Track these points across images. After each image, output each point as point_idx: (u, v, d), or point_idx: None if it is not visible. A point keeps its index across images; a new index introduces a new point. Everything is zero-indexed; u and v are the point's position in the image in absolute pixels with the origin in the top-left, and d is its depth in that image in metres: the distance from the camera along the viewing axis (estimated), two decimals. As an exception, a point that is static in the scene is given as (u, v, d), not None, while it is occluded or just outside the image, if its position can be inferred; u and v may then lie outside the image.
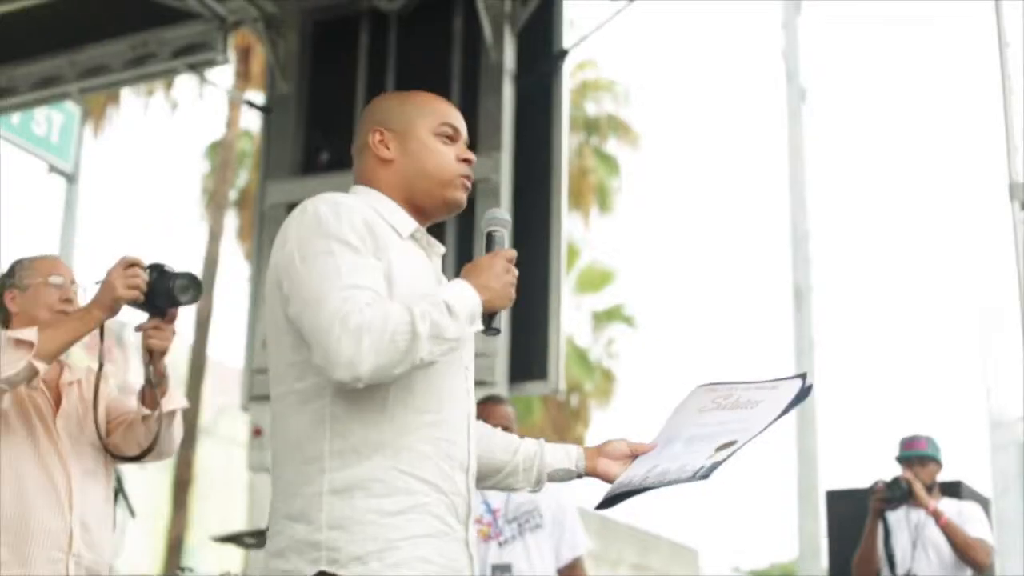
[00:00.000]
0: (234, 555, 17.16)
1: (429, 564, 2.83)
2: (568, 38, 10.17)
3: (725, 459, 3.09)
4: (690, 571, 30.62)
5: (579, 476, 3.35)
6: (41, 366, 4.13)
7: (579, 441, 20.67)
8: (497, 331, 2.99)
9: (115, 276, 4.21)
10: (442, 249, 3.20)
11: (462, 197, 3.16)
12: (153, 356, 4.36)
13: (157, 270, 4.28)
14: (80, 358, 4.77)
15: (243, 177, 24.47)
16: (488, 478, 3.32)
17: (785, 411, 3.20)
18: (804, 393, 3.24)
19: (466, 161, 3.16)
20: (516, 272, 3.01)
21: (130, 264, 4.24)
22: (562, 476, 3.36)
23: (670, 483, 3.11)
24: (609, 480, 3.27)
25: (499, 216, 3.13)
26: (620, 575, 26.75)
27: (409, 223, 3.08)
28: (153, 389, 4.41)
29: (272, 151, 10.58)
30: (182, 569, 6.33)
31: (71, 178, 17.74)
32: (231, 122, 23.11)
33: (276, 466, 2.96)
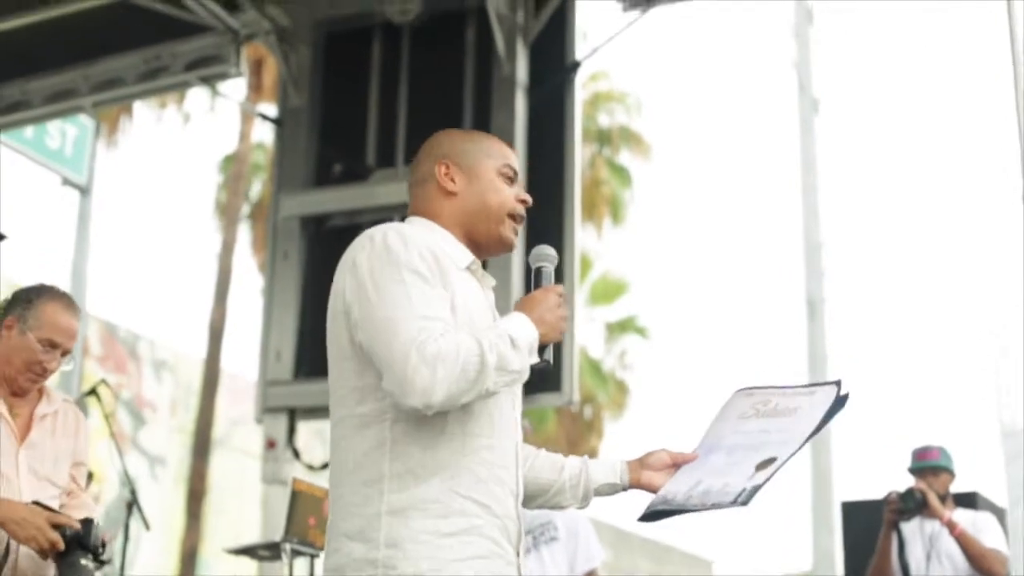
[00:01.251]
0: (248, 567, 17.17)
1: None
2: (580, 50, 10.18)
3: (765, 481, 3.12)
4: (704, 583, 30.58)
5: (624, 489, 3.40)
6: None
7: (592, 453, 20.66)
8: (549, 363, 3.07)
9: (34, 524, 4.16)
10: (493, 282, 3.26)
11: (514, 239, 3.26)
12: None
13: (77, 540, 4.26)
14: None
15: (256, 189, 24.51)
16: (536, 498, 3.38)
17: (823, 423, 3.23)
18: (840, 402, 3.27)
19: (523, 202, 3.25)
20: (565, 308, 3.10)
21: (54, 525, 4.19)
22: (608, 491, 3.42)
23: (713, 506, 3.13)
24: (653, 491, 3.32)
25: (546, 252, 3.21)
26: (635, 587, 26.71)
27: (466, 255, 3.16)
28: None
29: (285, 163, 10.59)
30: (196, 581, 6.32)
31: (84, 191, 17.75)
32: (244, 135, 23.15)
33: (335, 486, 3.03)
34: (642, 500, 3.34)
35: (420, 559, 2.85)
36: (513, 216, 3.24)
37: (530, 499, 3.34)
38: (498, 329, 2.93)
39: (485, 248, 3.24)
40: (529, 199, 3.28)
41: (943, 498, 7.14)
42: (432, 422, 2.91)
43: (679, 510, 3.22)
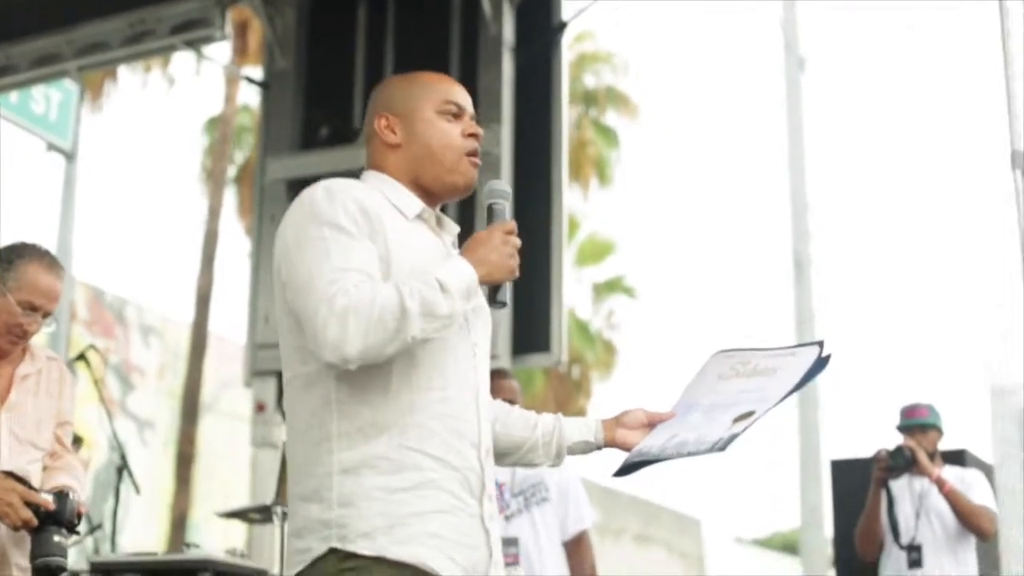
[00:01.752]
0: (239, 530, 17.22)
1: (440, 539, 2.85)
2: (567, 10, 10.16)
3: (743, 431, 3.11)
4: (693, 541, 30.71)
5: (598, 448, 3.36)
6: None
7: (580, 413, 20.71)
8: (503, 304, 3.01)
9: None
10: (456, 228, 3.21)
11: (471, 178, 3.16)
12: None
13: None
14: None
15: (242, 153, 24.46)
16: (508, 455, 3.34)
17: (803, 381, 3.22)
18: (822, 363, 3.26)
19: (473, 136, 3.16)
20: (517, 242, 3.01)
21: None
22: (582, 449, 3.38)
23: (688, 455, 3.13)
24: (628, 449, 3.29)
25: (499, 188, 3.13)
26: (623, 546, 26.81)
27: (415, 204, 3.09)
28: None
29: (271, 127, 10.57)
30: (187, 545, 6.32)
31: (70, 156, 17.70)
32: (229, 98, 23.08)
33: (289, 447, 3.01)
34: (620, 458, 3.33)
35: (373, 515, 2.81)
36: (469, 153, 3.15)
37: (502, 456, 3.29)
38: (425, 275, 2.85)
39: (438, 194, 3.16)
40: (479, 131, 3.19)
41: (932, 456, 7.17)
42: (377, 378, 2.86)
43: (654, 460, 3.22)
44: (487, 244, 2.96)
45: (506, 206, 3.11)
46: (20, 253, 4.43)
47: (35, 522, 4.14)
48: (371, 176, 3.16)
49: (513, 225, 3.03)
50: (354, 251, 2.86)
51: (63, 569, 4.22)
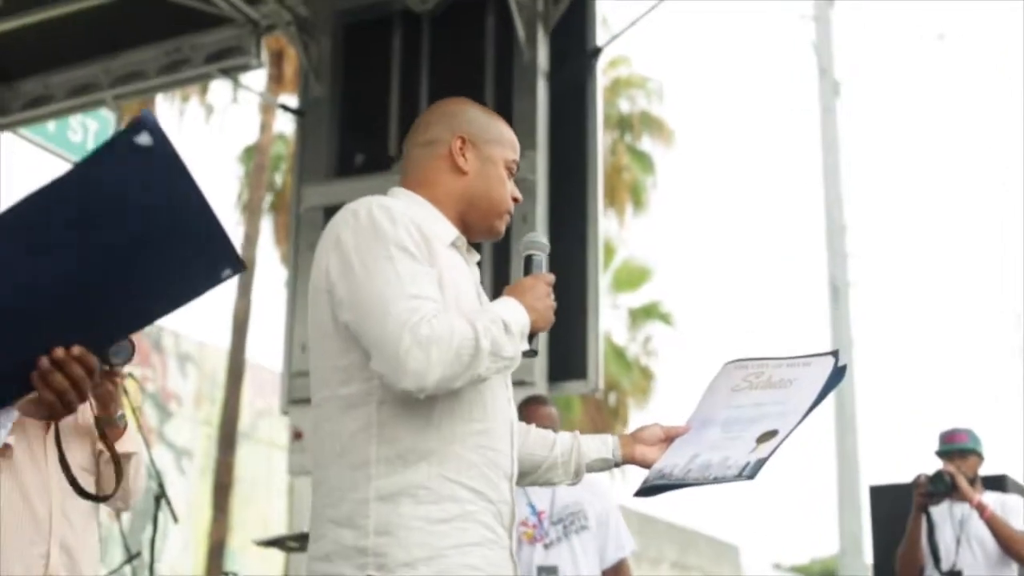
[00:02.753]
0: (276, 559, 17.22)
1: (477, 572, 2.84)
2: (601, 36, 10.15)
3: (770, 455, 3.08)
4: (731, 568, 30.58)
5: (616, 464, 3.37)
6: (10, 440, 4.13)
7: (618, 439, 20.63)
8: (535, 352, 2.99)
9: None
10: (478, 257, 3.20)
11: (503, 229, 3.21)
12: (100, 399, 4.31)
13: None
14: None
15: (278, 181, 24.53)
16: (528, 475, 3.33)
17: (821, 396, 3.19)
18: (838, 374, 3.24)
19: (515, 200, 3.21)
20: (552, 298, 3.04)
21: None
22: (600, 466, 3.39)
23: (715, 480, 3.10)
24: (646, 466, 3.30)
25: (537, 240, 3.17)
26: (661, 573, 26.71)
27: (451, 231, 3.09)
28: (104, 431, 4.29)
29: (307, 154, 10.58)
30: (225, 573, 6.32)
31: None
32: (265, 126, 23.16)
33: (319, 469, 2.96)
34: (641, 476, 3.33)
35: (412, 546, 2.79)
36: (507, 212, 3.20)
37: (522, 476, 3.27)
38: (491, 313, 2.86)
39: (471, 234, 3.17)
40: (520, 198, 3.24)
41: (972, 481, 7.12)
42: (420, 405, 2.83)
43: (678, 484, 3.19)
44: (533, 292, 2.98)
45: (543, 258, 3.15)
46: None
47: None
48: (404, 196, 3.14)
49: (552, 278, 3.06)
50: (422, 276, 2.84)
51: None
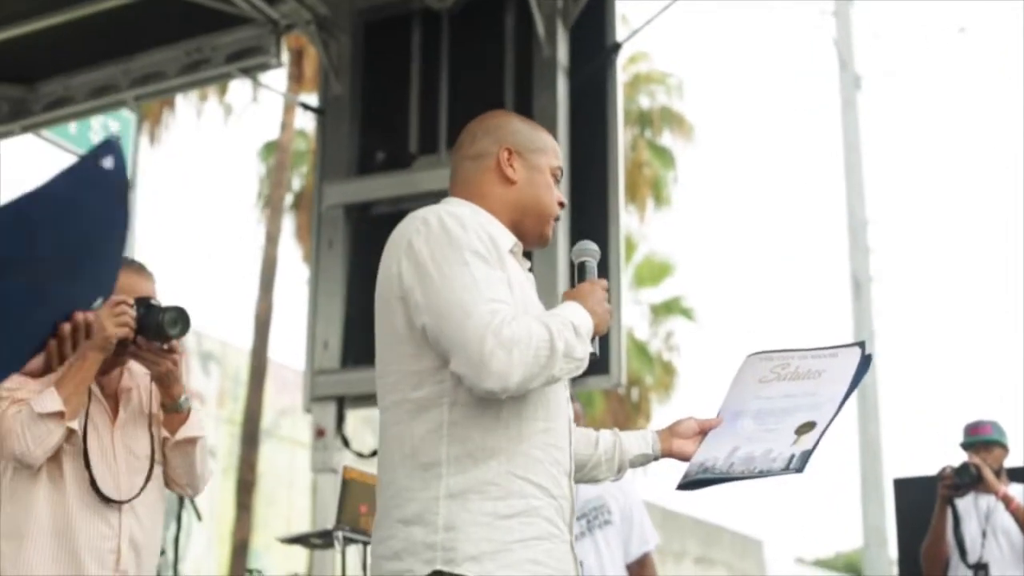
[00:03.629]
0: (300, 556, 17.23)
1: (540, 566, 2.92)
2: (620, 32, 10.14)
3: (814, 446, 3.13)
4: (755, 563, 30.55)
5: (656, 459, 3.45)
6: (73, 425, 4.12)
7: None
8: (596, 355, 3.06)
9: (104, 315, 4.12)
10: (528, 264, 3.27)
11: (550, 235, 3.30)
12: (162, 381, 4.31)
13: (144, 305, 4.22)
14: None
15: (299, 179, 24.55)
16: (575, 472, 3.35)
17: (853, 386, 3.23)
18: (866, 363, 3.30)
19: (560, 205, 3.29)
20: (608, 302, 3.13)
21: (117, 303, 4.15)
22: (641, 461, 3.47)
23: (761, 474, 3.14)
24: (684, 459, 3.37)
25: (589, 247, 3.26)
26: (685, 568, 26.70)
27: (509, 238, 3.17)
28: (171, 415, 4.36)
29: (327, 152, 10.59)
30: (249, 571, 6.34)
31: (129, 185, 17.83)
32: (286, 125, 23.17)
33: (387, 471, 3.03)
34: (679, 470, 3.38)
35: (480, 540, 2.86)
36: (555, 217, 3.27)
37: None
38: (560, 316, 2.95)
39: (525, 241, 3.25)
40: (565, 202, 3.33)
41: (997, 473, 7.09)
42: (490, 405, 2.92)
43: (723, 478, 3.24)
44: (592, 297, 3.08)
45: (595, 264, 3.25)
46: None
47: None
48: (462, 205, 3.20)
49: (606, 283, 3.16)
50: (497, 281, 2.95)
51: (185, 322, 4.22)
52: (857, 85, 18.98)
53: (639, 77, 27.29)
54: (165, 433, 4.39)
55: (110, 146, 2.47)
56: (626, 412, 25.89)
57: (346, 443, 9.93)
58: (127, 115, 16.40)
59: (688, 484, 3.31)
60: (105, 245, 2.58)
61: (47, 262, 2.48)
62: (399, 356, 3.01)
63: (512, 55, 9.96)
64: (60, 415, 4.07)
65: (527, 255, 3.29)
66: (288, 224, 23.91)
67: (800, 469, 3.10)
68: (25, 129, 11.87)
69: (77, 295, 2.65)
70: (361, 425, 17.25)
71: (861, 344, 3.35)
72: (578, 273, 3.23)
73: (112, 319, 4.13)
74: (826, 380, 3.27)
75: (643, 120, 27.21)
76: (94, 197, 2.50)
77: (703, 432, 3.38)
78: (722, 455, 3.24)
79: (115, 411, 4.37)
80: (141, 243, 19.01)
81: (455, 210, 3.05)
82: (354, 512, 6.96)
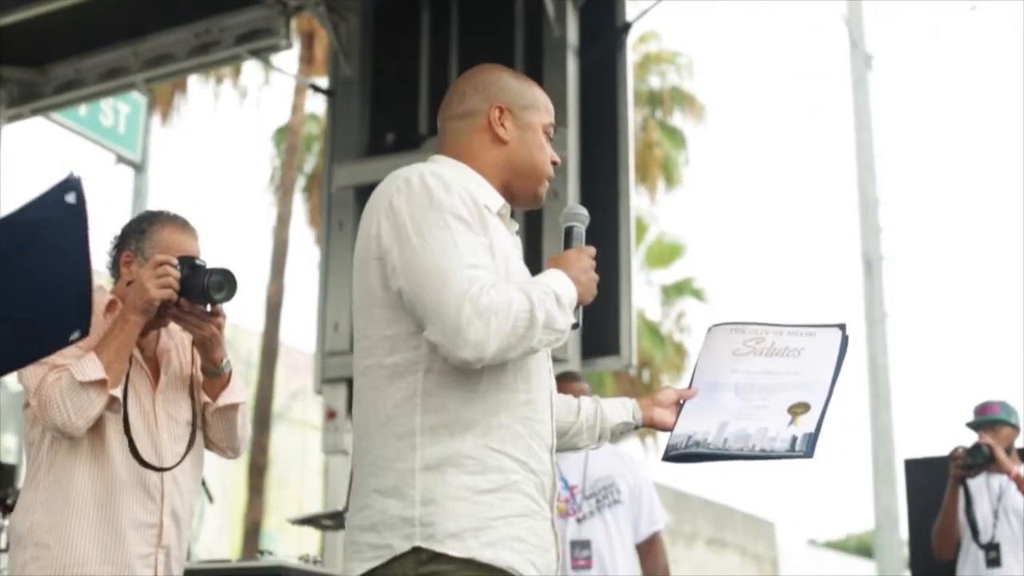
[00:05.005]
0: (312, 537, 17.27)
1: (523, 543, 2.86)
2: (631, 11, 10.12)
3: (817, 430, 3.09)
4: (767, 544, 30.55)
5: (636, 427, 3.42)
6: (116, 393, 4.01)
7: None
8: (577, 325, 3.00)
9: (146, 276, 4.04)
10: (516, 226, 3.20)
11: (544, 195, 3.23)
12: (204, 346, 4.22)
13: (189, 266, 4.11)
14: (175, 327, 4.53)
15: (310, 161, 24.54)
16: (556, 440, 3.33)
17: (838, 368, 3.20)
18: (845, 344, 3.27)
19: (554, 164, 3.22)
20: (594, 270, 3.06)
21: (160, 263, 4.06)
22: (622, 429, 3.43)
23: (763, 454, 3.11)
24: (666, 429, 3.33)
25: (577, 212, 3.18)
26: (696, 549, 26.71)
27: (497, 200, 3.10)
28: (212, 379, 4.28)
29: (338, 134, 10.57)
30: (261, 552, 6.32)
31: (139, 168, 17.86)
32: (296, 107, 23.15)
33: (362, 439, 2.96)
34: (663, 440, 3.36)
35: (460, 516, 2.80)
36: (548, 177, 3.21)
37: None
38: (543, 285, 2.88)
39: (515, 202, 3.19)
40: (559, 160, 3.25)
41: (1007, 452, 7.09)
42: (467, 375, 2.85)
43: (719, 454, 3.20)
44: (577, 265, 3.00)
45: (583, 229, 3.17)
46: (150, 220, 4.34)
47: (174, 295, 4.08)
48: (449, 163, 3.14)
49: (594, 250, 3.08)
50: (479, 246, 2.87)
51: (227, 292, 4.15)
52: (868, 64, 18.92)
53: (649, 57, 27.24)
54: (205, 398, 4.32)
55: (72, 183, 2.55)
56: (636, 393, 25.63)
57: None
58: (137, 98, 16.39)
59: (677, 456, 3.26)
60: (69, 279, 2.61)
61: (9, 292, 2.53)
62: (374, 319, 2.93)
63: (522, 35, 9.94)
64: (102, 383, 3.95)
65: (514, 216, 3.22)
66: (300, 207, 23.90)
67: (809, 454, 3.07)
68: (35, 112, 11.87)
69: (42, 328, 2.67)
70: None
71: (841, 326, 3.32)
72: (565, 238, 3.15)
73: (154, 280, 4.03)
74: (808, 359, 3.24)
75: (653, 100, 27.15)
76: (56, 231, 2.53)
77: (680, 401, 3.35)
78: (712, 429, 3.20)
79: (155, 375, 4.27)
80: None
81: (439, 170, 2.98)
82: (365, 493, 6.97)
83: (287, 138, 23.47)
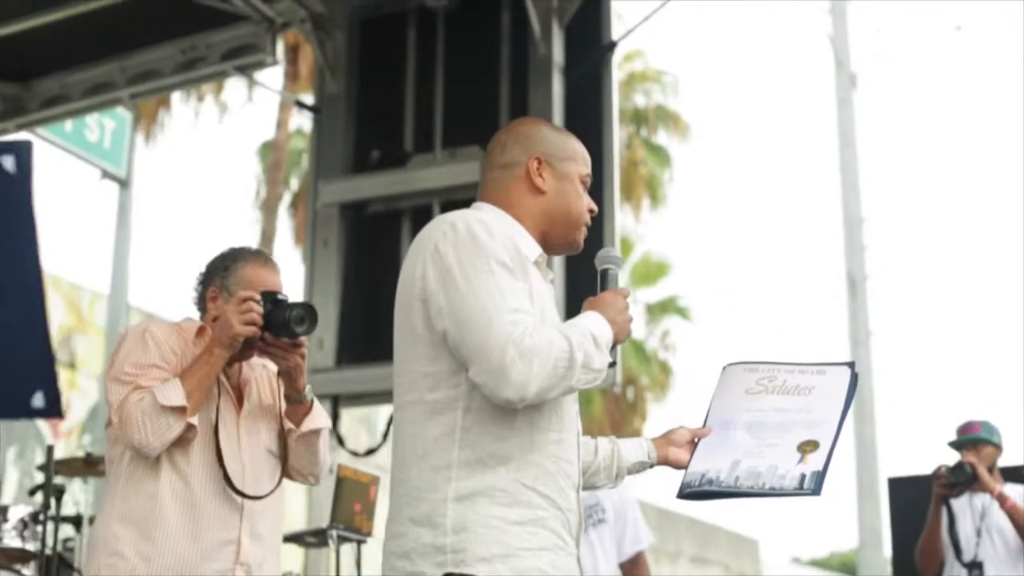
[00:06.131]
0: (295, 554, 17.22)
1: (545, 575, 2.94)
2: (616, 30, 10.14)
3: (825, 468, 3.16)
4: (751, 562, 30.55)
5: (652, 466, 3.50)
6: (193, 421, 4.14)
7: (636, 435, 20.62)
8: (614, 363, 3.09)
9: (231, 313, 4.20)
10: (552, 274, 3.29)
11: (581, 243, 3.32)
12: (288, 375, 4.35)
13: (271, 300, 4.27)
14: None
15: (296, 178, 24.53)
16: None
17: (847, 406, 3.24)
18: (854, 382, 3.33)
19: (591, 212, 3.32)
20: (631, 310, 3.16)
21: (244, 299, 4.22)
22: (638, 469, 3.53)
23: (773, 492, 3.16)
24: (680, 467, 3.40)
25: (613, 255, 3.30)
26: (680, 568, 26.70)
27: (535, 248, 3.19)
28: (295, 406, 4.41)
29: (323, 151, 10.58)
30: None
31: (124, 183, 17.85)
32: (281, 123, 23.17)
33: (400, 470, 3.06)
34: (677, 478, 3.40)
35: (490, 543, 2.88)
36: (586, 224, 3.30)
37: None
38: (581, 327, 2.97)
39: (552, 249, 3.29)
40: (596, 209, 3.34)
41: (990, 471, 7.10)
42: (503, 413, 2.94)
43: (731, 492, 3.24)
44: (614, 306, 3.11)
45: (617, 272, 3.28)
46: (234, 257, 4.49)
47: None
48: (489, 212, 3.21)
49: (629, 292, 3.20)
50: (519, 292, 2.96)
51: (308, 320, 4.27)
52: (853, 83, 18.98)
53: (634, 75, 27.29)
54: (288, 424, 4.43)
55: (11, 147, 2.44)
56: (622, 411, 25.89)
57: (341, 442, 9.92)
58: (123, 113, 16.39)
59: (692, 494, 3.33)
60: (15, 247, 2.55)
61: None
62: (416, 356, 3.03)
63: (507, 53, 9.96)
64: (182, 410, 4.10)
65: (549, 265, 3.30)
66: (285, 223, 23.89)
67: (817, 491, 3.13)
68: (20, 127, 11.84)
69: None
70: (356, 424, 17.25)
71: (850, 364, 3.38)
72: (601, 281, 3.25)
73: (238, 316, 4.19)
74: (818, 397, 3.30)
75: (638, 119, 27.20)
76: None
77: (694, 440, 3.42)
78: (724, 467, 3.25)
79: (239, 402, 4.40)
80: (137, 242, 19.00)
81: (484, 216, 3.07)
82: (348, 510, 6.97)
83: (272, 154, 23.49)
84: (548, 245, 3.24)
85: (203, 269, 4.53)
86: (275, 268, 4.52)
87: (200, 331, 4.37)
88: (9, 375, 2.49)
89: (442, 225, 3.05)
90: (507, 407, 2.90)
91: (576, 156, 3.31)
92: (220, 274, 4.45)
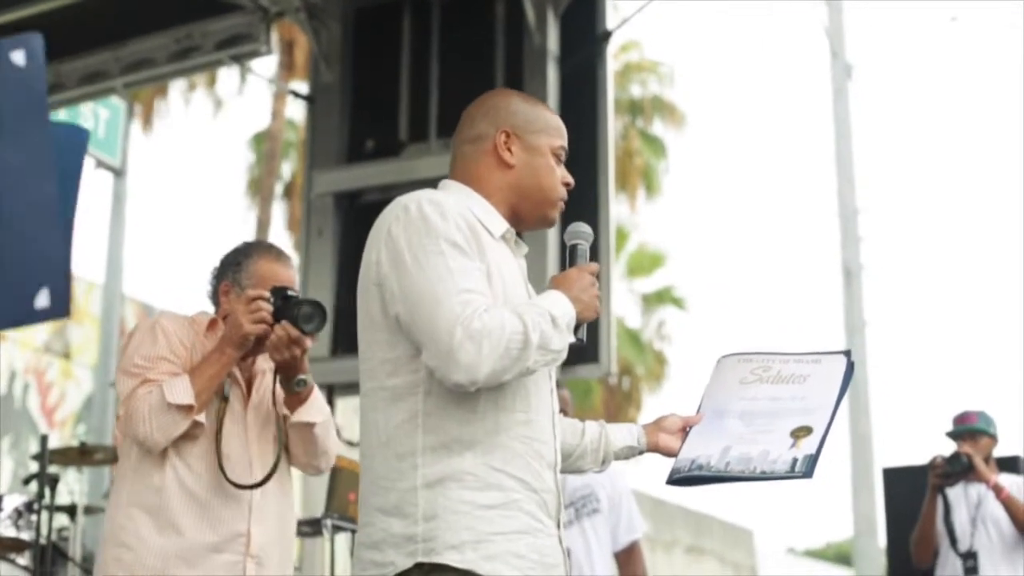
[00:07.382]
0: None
1: (523, 560, 2.88)
2: (611, 20, 10.13)
3: (819, 452, 3.11)
4: (745, 552, 30.56)
5: (641, 452, 3.44)
6: (200, 419, 4.16)
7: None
8: (583, 342, 3.05)
9: (241, 312, 4.21)
10: (525, 249, 3.24)
11: (556, 217, 3.26)
12: (285, 368, 4.34)
13: (281, 296, 4.27)
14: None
15: (290, 167, 24.52)
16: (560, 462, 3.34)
17: (842, 394, 3.21)
18: (850, 371, 3.29)
19: (566, 185, 3.24)
20: (598, 287, 3.08)
21: (253, 298, 4.23)
22: (626, 454, 3.45)
23: (764, 476, 3.13)
24: (670, 454, 3.35)
25: (582, 230, 3.21)
26: (675, 558, 26.70)
27: (501, 224, 3.12)
28: (290, 396, 4.40)
29: (317, 140, 10.58)
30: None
31: (118, 173, 17.82)
32: (276, 113, 23.16)
33: (366, 459, 3.02)
34: (667, 465, 3.36)
35: (460, 529, 2.83)
36: (560, 199, 3.23)
37: None
38: (538, 307, 2.90)
39: (525, 224, 3.22)
40: (572, 182, 3.26)
41: (985, 461, 7.11)
42: (466, 396, 2.88)
43: (720, 477, 3.21)
44: (579, 283, 3.03)
45: (587, 247, 3.19)
46: (246, 252, 4.50)
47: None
48: (456, 189, 3.17)
49: (598, 267, 3.11)
50: (473, 272, 2.89)
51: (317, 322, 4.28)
52: (848, 74, 18.94)
53: (630, 66, 27.30)
54: (284, 410, 4.43)
55: (21, 41, 2.41)
56: (617, 401, 25.92)
57: (336, 431, 9.91)
58: (117, 102, 16.36)
59: (681, 480, 3.28)
60: (30, 137, 2.53)
61: None
62: (375, 343, 2.99)
63: (502, 43, 9.95)
64: (189, 408, 4.11)
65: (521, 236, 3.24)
66: (279, 213, 23.88)
67: (809, 474, 3.09)
68: (14, 116, 11.82)
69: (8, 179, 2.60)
70: (351, 413, 17.21)
71: (847, 352, 3.35)
72: (569, 256, 3.17)
73: (248, 316, 4.20)
74: (812, 385, 3.26)
75: (634, 109, 27.22)
76: (5, 93, 2.45)
77: (686, 428, 3.37)
78: (715, 453, 3.21)
79: (248, 393, 4.41)
80: (132, 232, 18.98)
81: (438, 197, 3.00)
82: (343, 500, 6.96)
83: (266, 144, 23.46)
84: (519, 220, 3.18)
85: (216, 263, 4.54)
86: (288, 263, 4.53)
87: (211, 325, 4.38)
88: (10, 273, 2.48)
89: (396, 208, 3.01)
90: (460, 391, 2.84)
91: (548, 128, 3.23)
92: (232, 269, 4.46)
